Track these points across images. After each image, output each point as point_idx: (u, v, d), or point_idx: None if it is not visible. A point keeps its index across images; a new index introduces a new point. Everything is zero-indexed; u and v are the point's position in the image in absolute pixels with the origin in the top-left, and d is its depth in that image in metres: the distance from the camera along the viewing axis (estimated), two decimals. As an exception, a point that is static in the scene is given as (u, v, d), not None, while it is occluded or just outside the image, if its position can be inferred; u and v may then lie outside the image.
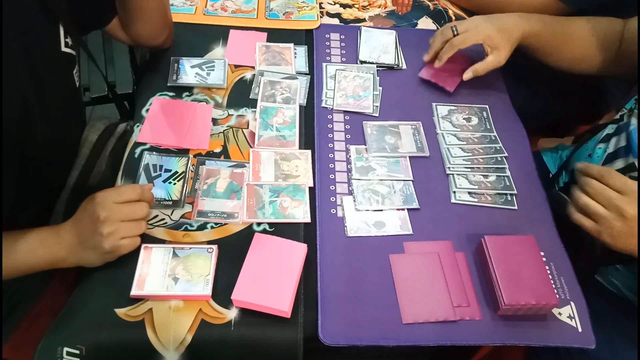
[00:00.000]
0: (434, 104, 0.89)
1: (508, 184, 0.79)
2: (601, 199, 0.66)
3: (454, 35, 0.87)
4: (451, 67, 0.97)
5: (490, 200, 0.77)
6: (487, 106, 0.89)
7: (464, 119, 0.87)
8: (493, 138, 0.85)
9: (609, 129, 0.82)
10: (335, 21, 1.05)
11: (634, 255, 0.66)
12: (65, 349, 0.60)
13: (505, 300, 0.63)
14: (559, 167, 0.94)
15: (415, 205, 0.76)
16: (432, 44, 0.91)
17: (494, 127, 0.86)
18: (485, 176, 0.80)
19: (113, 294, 0.64)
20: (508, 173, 0.81)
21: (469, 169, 0.80)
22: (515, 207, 0.77)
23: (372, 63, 0.96)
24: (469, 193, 0.78)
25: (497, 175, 0.80)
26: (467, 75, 0.87)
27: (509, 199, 0.78)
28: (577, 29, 0.87)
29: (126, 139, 0.82)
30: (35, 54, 0.62)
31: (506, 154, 0.83)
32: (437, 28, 1.06)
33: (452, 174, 0.80)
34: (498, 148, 0.83)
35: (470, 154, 0.82)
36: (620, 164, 0.76)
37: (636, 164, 0.74)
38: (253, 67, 0.94)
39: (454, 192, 0.78)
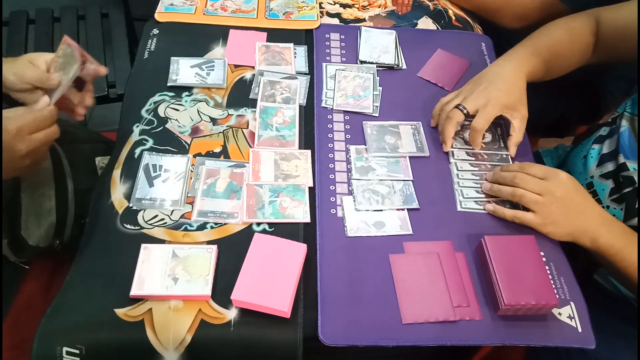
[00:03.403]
0: None
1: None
2: (532, 186, 0.70)
3: (466, 115, 0.79)
4: (449, 66, 0.97)
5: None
6: (502, 122, 0.85)
7: None
8: (505, 157, 0.83)
9: (603, 131, 0.82)
10: (335, 21, 1.05)
11: (577, 241, 0.70)
12: (65, 349, 0.60)
13: (505, 301, 0.63)
14: (556, 167, 0.95)
15: (415, 205, 0.76)
16: (447, 131, 0.80)
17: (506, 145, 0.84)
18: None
19: (113, 294, 0.64)
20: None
21: (477, 183, 0.79)
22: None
23: (372, 63, 0.96)
24: (475, 201, 0.78)
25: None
26: (513, 152, 0.81)
27: (515, 203, 0.77)
28: (556, 43, 0.85)
29: None
30: None
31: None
32: (438, 28, 1.06)
33: (460, 189, 0.79)
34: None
35: (478, 170, 0.81)
36: (612, 165, 0.77)
37: (627, 164, 0.75)
38: (253, 67, 0.94)
39: (460, 201, 0.78)
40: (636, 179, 0.73)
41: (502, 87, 0.79)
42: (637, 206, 0.73)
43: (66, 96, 0.73)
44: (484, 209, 0.76)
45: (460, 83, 0.94)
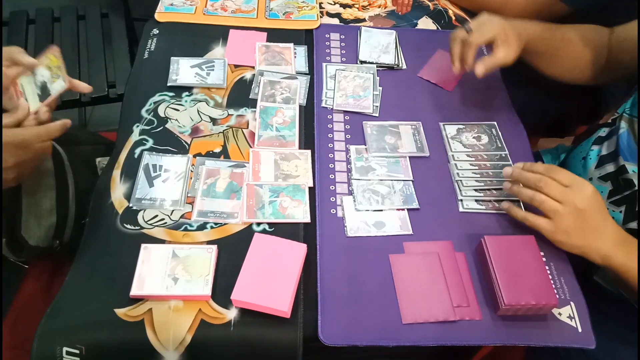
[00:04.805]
0: (441, 124, 0.87)
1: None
2: (555, 193, 0.66)
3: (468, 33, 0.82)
4: (449, 67, 0.97)
5: (497, 207, 0.77)
6: (495, 123, 0.87)
7: (473, 137, 0.85)
8: (504, 156, 0.83)
9: (602, 132, 0.82)
10: (335, 21, 1.05)
11: (586, 256, 0.68)
12: (65, 349, 0.60)
13: (505, 301, 0.63)
14: None
15: (415, 205, 0.76)
16: (452, 50, 0.85)
17: (504, 145, 0.84)
18: (493, 184, 0.79)
19: (113, 294, 0.64)
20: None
21: (478, 182, 0.79)
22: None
23: (372, 63, 0.96)
24: (476, 201, 0.78)
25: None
26: (480, 70, 0.80)
27: (516, 204, 0.77)
28: (570, 37, 0.86)
29: None
30: None
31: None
32: (438, 28, 1.06)
33: (460, 189, 0.78)
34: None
35: (478, 169, 0.81)
36: (611, 167, 0.77)
37: (626, 166, 0.74)
38: (253, 67, 0.94)
39: (461, 200, 0.78)
40: (636, 181, 0.73)
41: (506, 20, 0.81)
42: (637, 209, 0.73)
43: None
44: (500, 207, 0.76)
45: (460, 84, 0.94)
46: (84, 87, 0.75)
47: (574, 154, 0.88)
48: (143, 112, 0.85)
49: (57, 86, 0.72)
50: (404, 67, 0.97)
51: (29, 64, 0.70)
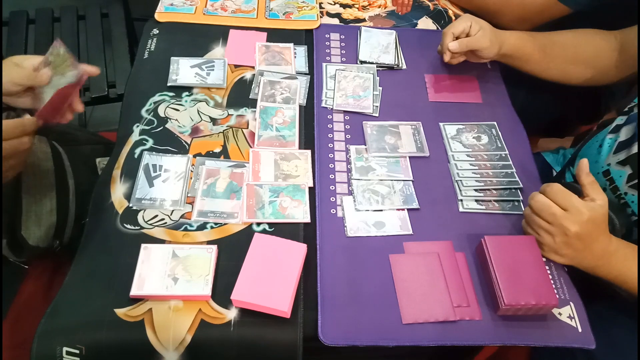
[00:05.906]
0: (441, 124, 0.87)
1: (514, 191, 0.79)
2: (545, 214, 0.67)
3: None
4: (458, 85, 0.95)
5: (497, 207, 0.77)
6: (495, 123, 0.87)
7: (473, 137, 0.85)
8: (504, 156, 0.83)
9: (619, 120, 0.82)
10: (335, 21, 1.05)
11: (576, 266, 0.69)
12: (65, 349, 0.60)
13: (505, 301, 0.63)
14: (564, 164, 0.94)
15: (415, 205, 0.76)
16: (443, 41, 0.90)
17: (504, 145, 0.84)
18: (493, 184, 0.79)
19: (113, 294, 0.64)
20: (516, 179, 0.80)
21: (478, 182, 0.79)
22: (522, 212, 0.76)
23: (372, 63, 0.96)
24: (476, 201, 0.78)
25: (505, 188, 0.79)
26: (453, 46, 0.86)
27: (516, 204, 0.78)
28: (561, 38, 0.88)
29: None
30: None
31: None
32: (438, 28, 1.06)
33: (460, 189, 0.79)
34: (509, 171, 0.81)
35: (478, 169, 0.81)
36: (629, 151, 0.77)
37: None
38: (253, 67, 0.94)
39: (461, 200, 0.78)
40: None
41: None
42: (637, 197, 0.72)
43: (59, 99, 0.71)
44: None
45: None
46: (93, 70, 0.74)
47: (589, 144, 0.87)
48: (143, 112, 0.85)
49: (71, 78, 0.71)
50: (404, 67, 0.97)
51: (39, 65, 0.69)
